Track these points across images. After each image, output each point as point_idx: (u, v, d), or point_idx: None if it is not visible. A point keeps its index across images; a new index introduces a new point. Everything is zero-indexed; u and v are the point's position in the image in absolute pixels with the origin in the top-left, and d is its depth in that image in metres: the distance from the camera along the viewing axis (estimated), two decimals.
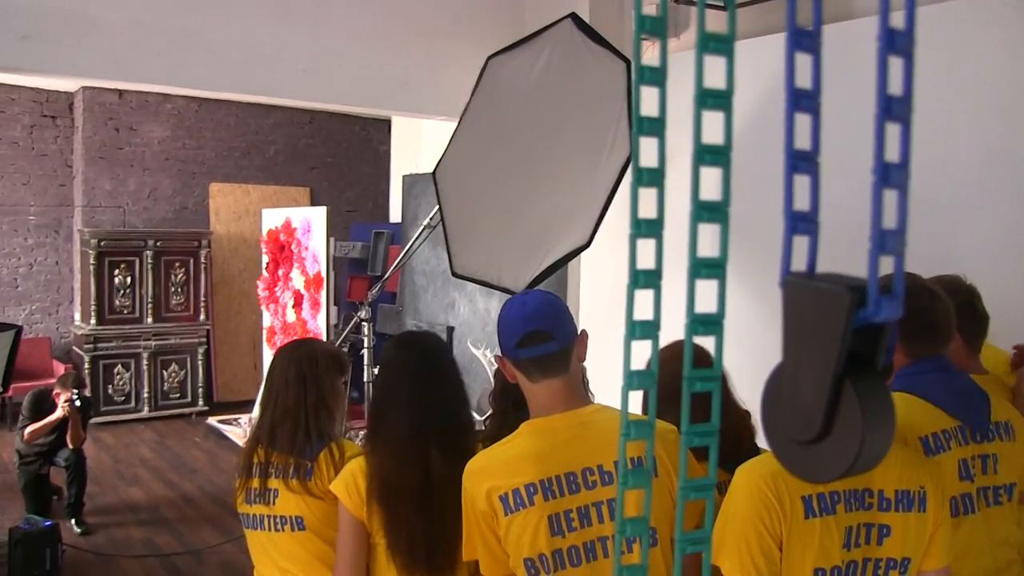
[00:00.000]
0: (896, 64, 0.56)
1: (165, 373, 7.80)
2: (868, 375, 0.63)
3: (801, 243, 0.63)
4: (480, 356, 4.91)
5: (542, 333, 1.55)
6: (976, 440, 1.77)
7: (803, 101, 0.61)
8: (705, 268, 0.65)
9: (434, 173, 3.74)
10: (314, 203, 8.72)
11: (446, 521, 1.66)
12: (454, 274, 3.62)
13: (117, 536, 4.96)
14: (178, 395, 7.88)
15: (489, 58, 3.61)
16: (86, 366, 7.34)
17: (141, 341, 7.66)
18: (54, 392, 4.95)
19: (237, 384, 8.45)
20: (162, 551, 4.74)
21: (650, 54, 0.65)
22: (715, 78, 0.63)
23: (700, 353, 0.66)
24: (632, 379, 0.69)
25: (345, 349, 3.97)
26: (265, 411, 2.08)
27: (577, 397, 1.60)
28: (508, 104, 3.54)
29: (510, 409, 1.86)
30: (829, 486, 1.44)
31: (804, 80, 0.61)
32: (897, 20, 0.56)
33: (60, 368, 7.37)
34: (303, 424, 2.01)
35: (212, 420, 7.50)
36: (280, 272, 7.12)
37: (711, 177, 0.64)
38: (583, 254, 3.21)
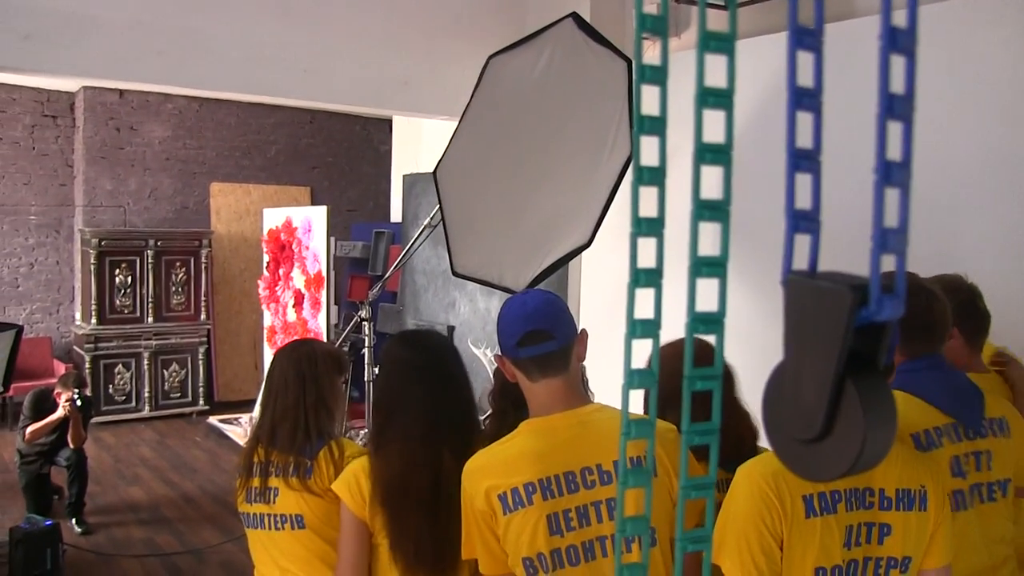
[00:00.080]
0: (898, 63, 0.56)
1: (166, 373, 7.81)
2: (870, 374, 0.63)
3: (803, 242, 0.63)
4: (480, 355, 4.91)
5: (542, 332, 1.55)
6: (969, 437, 1.77)
7: (805, 100, 0.61)
8: (706, 267, 0.65)
9: (435, 172, 3.74)
10: (315, 203, 8.72)
11: (452, 522, 1.65)
12: (455, 273, 3.62)
13: (118, 536, 4.97)
14: (179, 395, 7.88)
15: (490, 57, 3.61)
16: (87, 366, 7.34)
17: (142, 341, 7.66)
18: (55, 392, 4.96)
19: (238, 384, 8.45)
20: (163, 551, 4.75)
21: (651, 53, 0.65)
22: (716, 77, 0.63)
23: (704, 348, 0.66)
24: (633, 378, 0.69)
25: (346, 349, 3.97)
26: (265, 411, 2.09)
27: (577, 396, 1.60)
28: (509, 103, 3.54)
29: (509, 408, 1.86)
30: (830, 485, 1.44)
31: (806, 79, 0.61)
32: (899, 19, 0.56)
33: (61, 368, 7.37)
34: (303, 423, 2.01)
35: (213, 420, 7.50)
36: (281, 272, 7.12)
37: (712, 176, 0.64)
38: (584, 253, 3.21)
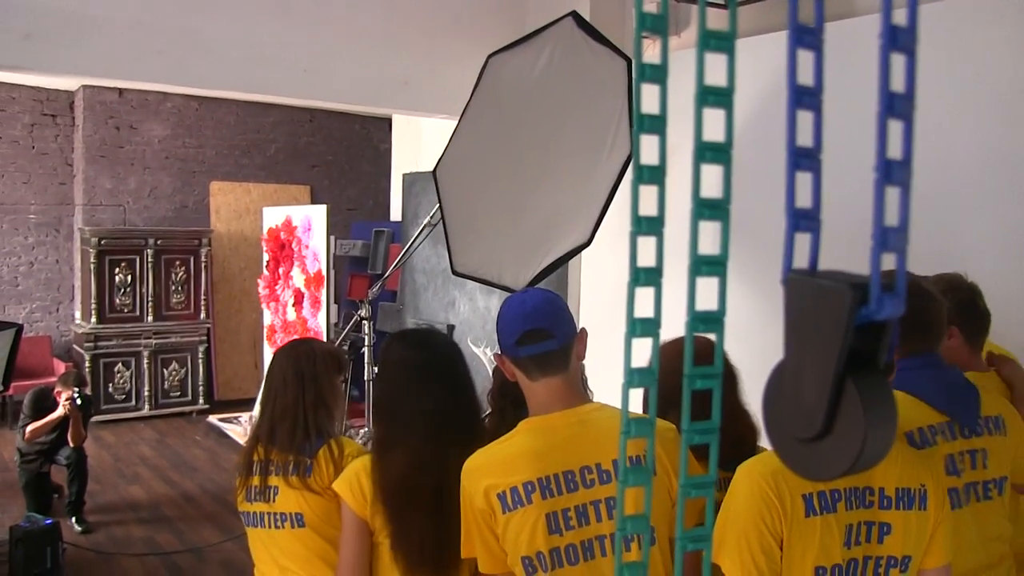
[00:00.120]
0: (898, 61, 0.56)
1: (165, 371, 7.81)
2: (870, 373, 0.63)
3: (803, 240, 0.63)
4: (480, 354, 4.91)
5: (541, 331, 1.55)
6: (965, 435, 1.77)
7: (805, 98, 0.61)
8: (706, 265, 0.65)
9: (434, 171, 3.74)
10: (315, 201, 8.72)
11: (454, 521, 1.65)
12: (454, 272, 3.62)
13: (118, 534, 4.97)
14: (178, 393, 7.88)
15: (490, 56, 3.61)
16: (86, 364, 7.34)
17: (141, 339, 7.66)
18: (55, 390, 4.96)
19: (238, 382, 8.45)
20: (163, 549, 4.75)
21: (651, 52, 0.65)
22: (716, 76, 0.63)
23: (705, 346, 0.66)
24: (633, 377, 0.69)
25: (346, 347, 3.97)
26: (264, 410, 2.09)
27: (576, 395, 1.60)
28: (509, 102, 3.54)
29: (508, 407, 1.86)
30: (830, 484, 1.44)
31: (806, 77, 0.61)
32: (899, 17, 0.56)
33: (60, 367, 7.37)
34: (302, 421, 2.02)
35: (212, 418, 7.50)
36: (281, 270, 7.12)
37: (712, 174, 0.64)
38: (583, 252, 3.21)
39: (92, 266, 7.38)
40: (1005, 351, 2.27)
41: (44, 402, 4.95)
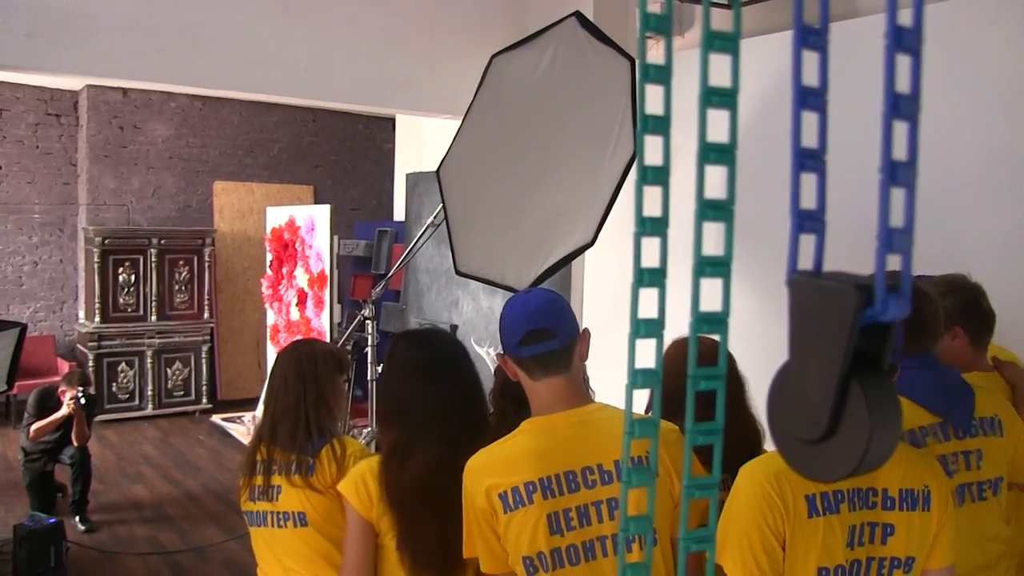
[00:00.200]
0: (904, 62, 0.56)
1: (169, 371, 7.82)
2: (875, 374, 0.63)
3: (808, 241, 0.63)
4: (484, 354, 4.91)
5: (544, 331, 1.55)
6: (958, 436, 1.77)
7: (810, 99, 0.61)
8: (710, 266, 0.65)
9: (438, 171, 3.74)
10: (318, 201, 8.73)
11: (460, 522, 1.64)
12: (458, 272, 3.62)
13: (121, 533, 4.97)
14: (182, 393, 7.89)
15: (493, 56, 3.61)
16: (90, 364, 7.35)
17: (145, 339, 7.67)
18: (59, 390, 4.97)
19: (241, 382, 8.46)
20: (166, 549, 4.75)
21: (655, 52, 0.65)
22: (720, 76, 0.63)
23: (710, 347, 0.66)
24: (637, 377, 0.69)
25: (349, 347, 3.98)
26: (267, 410, 2.11)
27: (578, 396, 1.60)
28: (512, 102, 3.54)
29: (509, 407, 1.85)
30: (833, 485, 1.44)
31: (811, 78, 0.61)
32: (904, 18, 0.56)
33: (64, 366, 7.38)
34: (304, 421, 2.03)
35: (216, 418, 7.51)
36: (284, 270, 7.13)
37: (716, 175, 0.64)
38: (587, 252, 3.20)
39: (96, 266, 7.39)
40: (1010, 354, 2.27)
41: (48, 401, 4.96)
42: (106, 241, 7.44)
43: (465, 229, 3.59)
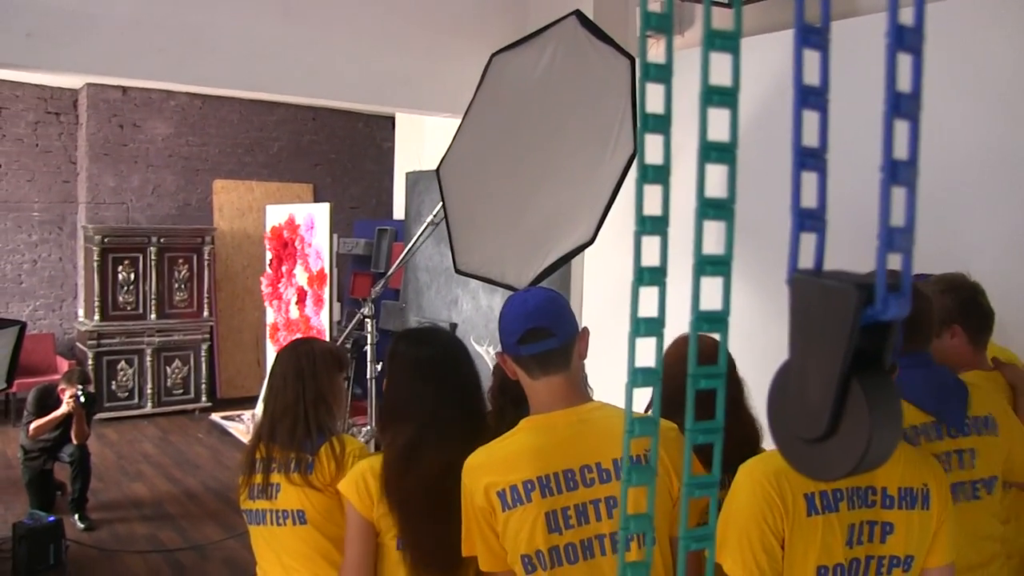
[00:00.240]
0: (905, 61, 0.56)
1: (168, 369, 7.82)
2: (875, 373, 0.63)
3: (808, 240, 0.63)
4: (483, 353, 4.91)
5: (543, 330, 1.55)
6: (951, 435, 1.77)
7: (811, 98, 0.61)
8: (710, 265, 0.65)
9: (438, 170, 3.74)
10: (317, 200, 8.73)
11: (460, 521, 1.64)
12: (457, 271, 3.62)
13: (120, 532, 4.98)
14: (181, 391, 7.89)
15: (493, 55, 3.61)
16: (90, 362, 7.35)
17: (144, 337, 7.67)
18: (59, 388, 4.97)
19: (240, 380, 8.46)
20: (165, 547, 4.75)
21: (655, 51, 0.65)
22: (720, 75, 0.63)
23: (709, 345, 0.65)
24: (637, 376, 0.69)
25: (348, 346, 3.98)
26: (266, 408, 2.11)
27: (577, 394, 1.60)
28: (512, 101, 3.53)
29: (507, 406, 1.85)
30: (832, 484, 1.44)
31: (812, 77, 0.61)
32: (906, 17, 0.56)
33: (64, 364, 7.38)
34: (303, 419, 2.03)
35: (215, 416, 7.51)
36: (284, 268, 7.13)
37: (716, 174, 0.64)
38: (587, 251, 3.20)
39: (95, 264, 7.39)
40: (1011, 354, 2.27)
41: (48, 399, 4.96)
42: (106, 239, 7.44)
43: (465, 228, 3.59)
